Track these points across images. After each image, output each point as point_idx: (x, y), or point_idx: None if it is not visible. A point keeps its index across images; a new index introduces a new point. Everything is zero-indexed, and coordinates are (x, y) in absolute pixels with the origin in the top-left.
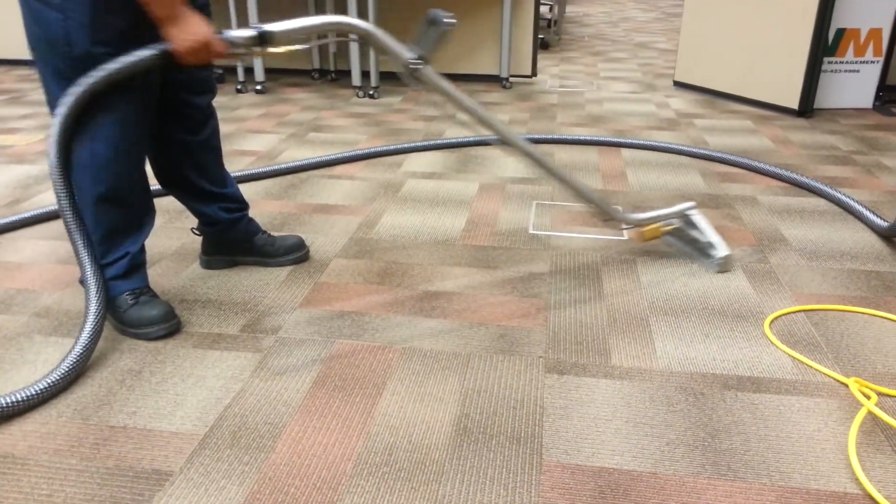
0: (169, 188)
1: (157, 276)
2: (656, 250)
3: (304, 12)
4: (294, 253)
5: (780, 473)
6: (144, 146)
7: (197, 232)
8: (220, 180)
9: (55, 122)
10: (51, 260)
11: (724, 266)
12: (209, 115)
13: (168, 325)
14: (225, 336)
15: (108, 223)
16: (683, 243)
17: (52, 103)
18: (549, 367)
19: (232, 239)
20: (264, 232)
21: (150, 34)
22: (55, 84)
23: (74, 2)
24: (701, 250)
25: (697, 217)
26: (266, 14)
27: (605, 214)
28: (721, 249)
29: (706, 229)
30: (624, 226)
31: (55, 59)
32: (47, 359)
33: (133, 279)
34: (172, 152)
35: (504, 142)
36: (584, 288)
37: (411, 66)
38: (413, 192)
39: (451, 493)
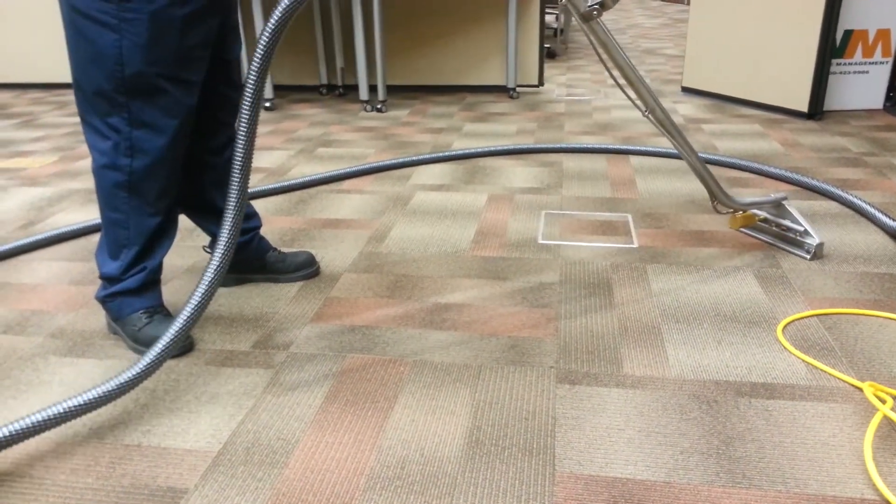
0: (187, 209)
1: (169, 293)
2: (666, 258)
3: (309, 20)
4: (305, 269)
5: (795, 480)
6: (180, 161)
7: (209, 250)
8: None
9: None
10: (64, 281)
11: (818, 254)
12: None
13: (181, 345)
14: (237, 353)
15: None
16: (766, 234)
17: (88, 125)
18: (560, 378)
19: (243, 257)
20: (275, 249)
21: (201, 54)
22: (92, 105)
23: (131, 23)
24: (791, 240)
25: (791, 207)
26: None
27: (714, 195)
28: (815, 238)
29: (800, 218)
30: (723, 210)
31: (100, 79)
32: (63, 379)
33: (147, 296)
34: (195, 173)
35: (651, 112)
36: (595, 297)
37: (591, 9)
38: (422, 204)
39: None
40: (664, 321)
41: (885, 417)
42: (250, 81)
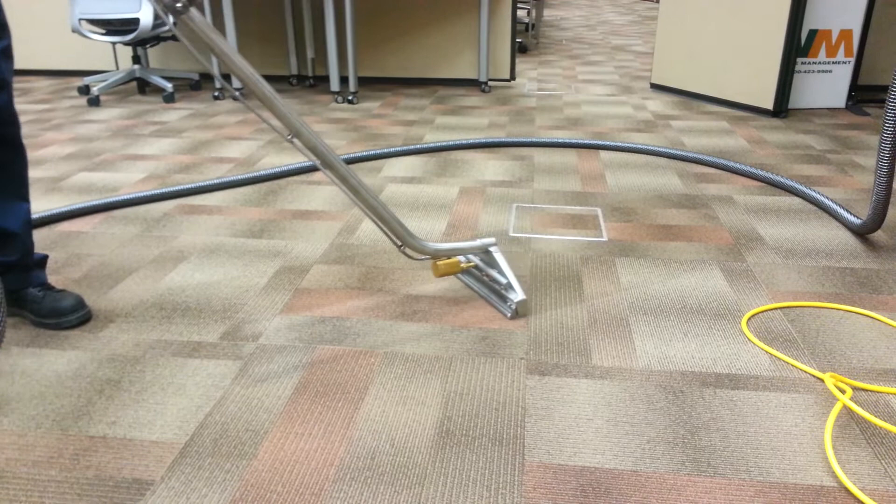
0: None
1: (135, 284)
2: (634, 252)
3: (280, 8)
4: (60, 317)
5: (758, 468)
6: None
7: None
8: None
9: None
10: None
11: (520, 311)
12: (14, 145)
13: None
14: (205, 344)
15: None
16: (479, 283)
17: None
18: (530, 369)
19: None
20: (42, 285)
21: None
22: None
23: None
24: (496, 292)
25: (498, 255)
26: (244, 15)
27: (400, 239)
28: (518, 293)
29: (506, 269)
30: (420, 256)
31: None
32: None
33: None
34: None
35: (297, 137)
36: (565, 289)
37: (176, 7)
38: (393, 196)
39: (434, 496)
40: (632, 313)
41: (845, 407)
42: None
